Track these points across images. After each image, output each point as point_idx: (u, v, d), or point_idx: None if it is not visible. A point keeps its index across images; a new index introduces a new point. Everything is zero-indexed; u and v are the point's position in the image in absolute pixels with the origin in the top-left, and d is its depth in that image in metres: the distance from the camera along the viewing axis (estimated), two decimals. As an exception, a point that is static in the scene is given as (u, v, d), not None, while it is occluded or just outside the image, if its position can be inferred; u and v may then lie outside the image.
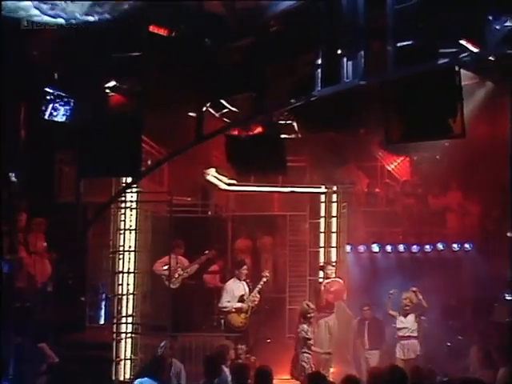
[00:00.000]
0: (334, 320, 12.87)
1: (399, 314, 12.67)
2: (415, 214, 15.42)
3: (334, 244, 14.41)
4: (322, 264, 13.59)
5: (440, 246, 14.98)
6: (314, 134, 13.52)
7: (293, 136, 13.34)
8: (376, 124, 12.87)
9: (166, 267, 13.23)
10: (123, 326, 12.07)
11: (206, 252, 13.65)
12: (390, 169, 17.11)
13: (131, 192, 12.11)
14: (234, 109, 12.38)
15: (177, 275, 13.46)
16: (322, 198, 14.43)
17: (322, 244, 14.41)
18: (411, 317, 12.62)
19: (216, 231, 14.58)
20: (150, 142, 13.92)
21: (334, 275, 13.21)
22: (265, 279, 12.91)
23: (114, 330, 12.05)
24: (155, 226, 13.40)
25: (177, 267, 13.53)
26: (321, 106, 9.83)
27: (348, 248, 14.88)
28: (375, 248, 15.03)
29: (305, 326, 11.75)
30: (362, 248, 15.08)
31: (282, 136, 11.08)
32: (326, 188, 14.22)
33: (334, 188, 14.20)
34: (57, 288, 13.29)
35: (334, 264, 13.59)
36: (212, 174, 13.34)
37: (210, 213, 14.88)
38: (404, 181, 16.01)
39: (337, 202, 14.38)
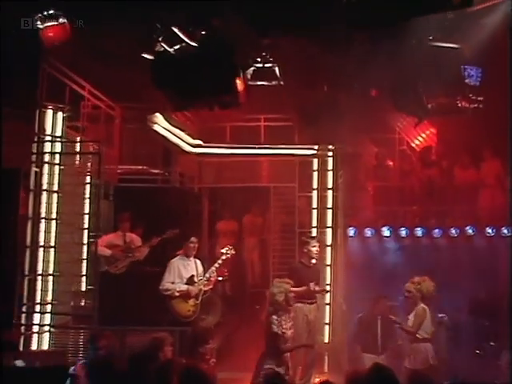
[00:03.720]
0: (316, 313, 9.71)
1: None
2: (438, 189, 12.20)
3: (329, 224, 11.33)
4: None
5: (469, 230, 11.81)
6: (304, 89, 10.90)
7: (273, 83, 10.62)
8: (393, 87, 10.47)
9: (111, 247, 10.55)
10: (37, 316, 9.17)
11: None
12: (413, 145, 13.96)
13: (51, 141, 9.28)
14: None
15: (123, 257, 10.63)
16: (315, 165, 11.39)
17: (314, 224, 11.36)
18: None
19: (184, 207, 11.64)
20: (99, 94, 11.28)
21: (317, 254, 9.95)
22: (224, 257, 9.91)
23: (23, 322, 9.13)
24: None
25: (124, 247, 10.70)
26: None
27: (351, 231, 11.80)
28: (385, 232, 11.90)
29: (275, 318, 8.23)
30: (368, 232, 11.96)
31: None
32: (318, 150, 11.16)
33: (330, 149, 11.11)
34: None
35: (317, 239, 10.27)
36: (167, 128, 10.36)
37: (176, 184, 11.86)
38: (424, 147, 12.81)
39: (333, 169, 11.31)
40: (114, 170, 11.11)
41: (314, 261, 9.88)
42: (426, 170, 12.46)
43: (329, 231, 11.30)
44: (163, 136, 10.35)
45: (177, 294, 9.66)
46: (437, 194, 12.17)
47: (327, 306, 11.11)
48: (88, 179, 10.27)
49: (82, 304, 11.13)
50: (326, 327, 11.06)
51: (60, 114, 9.48)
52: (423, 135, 13.91)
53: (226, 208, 12.44)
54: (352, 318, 10.80)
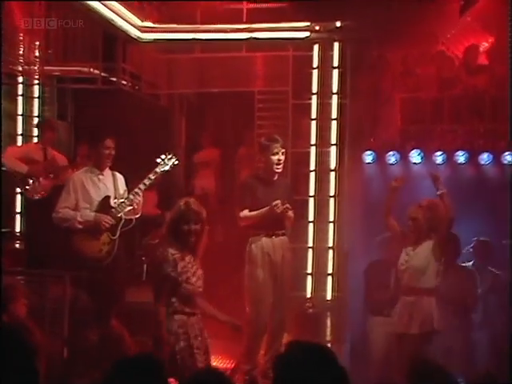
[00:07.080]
0: (286, 251, 6.58)
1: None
2: (488, 102, 8.96)
3: (333, 141, 8.31)
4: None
5: (531, 155, 8.56)
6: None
7: None
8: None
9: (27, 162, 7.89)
10: None
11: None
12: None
13: None
14: None
15: (41, 179, 7.87)
16: (315, 60, 8.33)
17: (313, 141, 8.34)
18: (424, 247, 6.38)
19: (137, 118, 8.78)
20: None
21: (280, 165, 6.61)
22: (159, 169, 6.58)
23: None
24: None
25: (45, 165, 7.94)
26: None
27: (369, 156, 8.69)
28: (415, 157, 8.73)
29: (172, 251, 4.98)
30: (392, 157, 8.78)
31: None
32: (317, 31, 8.12)
33: (336, 28, 8.08)
34: None
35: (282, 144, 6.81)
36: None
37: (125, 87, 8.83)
38: (469, 47, 9.53)
39: (338, 66, 8.26)
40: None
41: (276, 177, 6.62)
42: (472, 77, 9.24)
43: (333, 150, 8.30)
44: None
45: (79, 225, 6.47)
46: (486, 107, 8.95)
47: (330, 251, 8.19)
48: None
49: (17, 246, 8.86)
50: (329, 279, 8.18)
51: None
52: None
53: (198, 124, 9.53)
54: (360, 268, 7.80)
